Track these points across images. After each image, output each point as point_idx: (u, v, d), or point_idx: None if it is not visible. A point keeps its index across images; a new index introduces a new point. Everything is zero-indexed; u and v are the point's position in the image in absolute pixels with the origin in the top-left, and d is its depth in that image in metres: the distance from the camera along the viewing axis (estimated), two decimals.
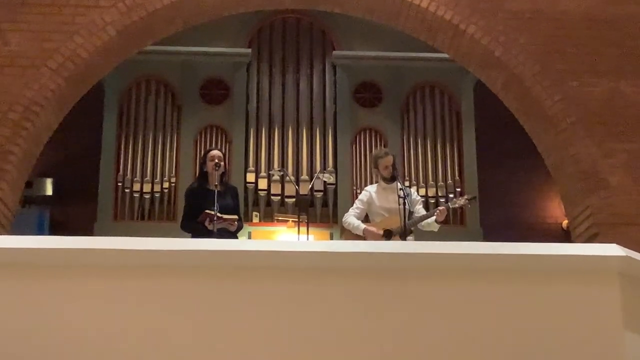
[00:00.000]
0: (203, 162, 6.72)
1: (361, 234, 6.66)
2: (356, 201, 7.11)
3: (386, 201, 6.75)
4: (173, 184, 11.58)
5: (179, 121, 11.97)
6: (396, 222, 6.53)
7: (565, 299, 3.38)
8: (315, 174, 10.65)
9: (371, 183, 9.89)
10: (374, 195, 6.89)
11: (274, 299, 3.31)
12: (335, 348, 3.27)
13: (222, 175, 6.64)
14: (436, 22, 8.33)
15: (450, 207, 6.86)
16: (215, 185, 6.40)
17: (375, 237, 6.58)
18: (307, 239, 8.16)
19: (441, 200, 11.23)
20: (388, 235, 6.60)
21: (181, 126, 11.94)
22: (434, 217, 6.57)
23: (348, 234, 6.88)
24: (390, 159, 6.85)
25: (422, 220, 6.62)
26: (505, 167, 11.77)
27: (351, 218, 6.83)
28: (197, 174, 7.32)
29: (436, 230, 6.70)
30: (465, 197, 7.02)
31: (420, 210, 6.81)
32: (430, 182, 11.75)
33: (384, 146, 11.76)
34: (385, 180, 6.84)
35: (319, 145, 11.94)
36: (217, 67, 12.15)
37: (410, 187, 10.35)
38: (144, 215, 11.49)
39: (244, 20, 11.91)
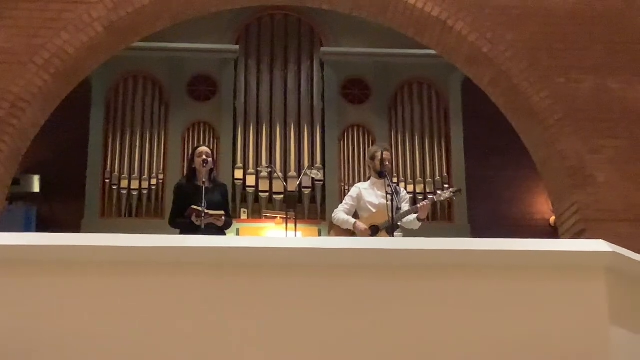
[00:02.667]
0: (191, 159, 6.72)
1: (351, 228, 6.66)
2: (346, 197, 7.10)
3: (374, 197, 6.75)
4: (161, 181, 11.54)
5: (167, 118, 11.94)
6: (383, 218, 6.53)
7: (552, 294, 3.39)
8: (303, 171, 10.64)
9: (359, 179, 9.89)
10: (363, 191, 6.88)
11: (262, 295, 3.31)
12: (323, 343, 3.27)
13: (211, 171, 6.64)
14: (424, 19, 8.35)
15: (436, 200, 6.85)
16: (203, 182, 6.41)
17: (363, 234, 6.59)
18: (295, 235, 8.16)
19: (430, 196, 11.22)
20: (374, 230, 6.61)
21: (169, 123, 11.91)
22: (415, 215, 6.56)
23: (337, 229, 6.88)
24: (382, 153, 6.85)
25: (406, 215, 6.60)
26: (493, 163, 11.79)
27: (340, 214, 6.83)
28: (185, 171, 7.30)
29: (416, 228, 6.67)
30: (451, 189, 7.01)
31: (405, 207, 6.80)
32: (418, 178, 11.77)
33: (372, 143, 11.76)
34: (377, 175, 6.82)
35: (307, 141, 11.93)
36: (204, 63, 12.12)
37: (398, 184, 10.36)
38: (131, 212, 11.45)
39: (232, 16, 11.89)
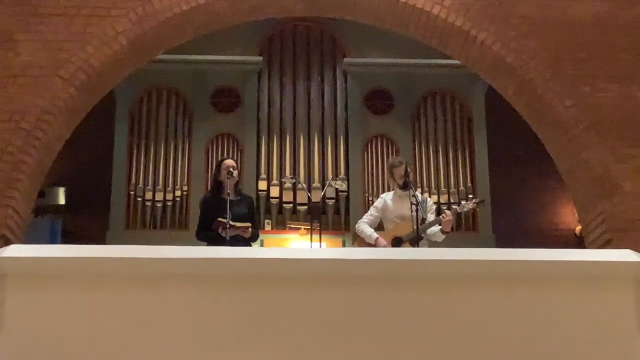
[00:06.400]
0: (216, 172, 6.76)
1: (373, 242, 6.66)
2: (371, 208, 7.11)
3: (401, 208, 6.74)
4: (185, 193, 11.59)
5: (190, 130, 11.99)
6: (407, 229, 6.52)
7: (579, 305, 3.36)
8: (327, 182, 10.66)
9: (383, 190, 9.88)
10: (389, 202, 6.88)
11: (287, 306, 3.31)
12: (348, 355, 3.26)
13: (236, 184, 6.69)
14: (447, 29, 8.33)
15: (459, 211, 6.83)
16: (228, 194, 6.44)
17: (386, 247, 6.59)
18: (320, 246, 8.16)
19: (453, 207, 11.19)
20: (397, 242, 6.59)
21: (192, 135, 11.96)
22: (438, 227, 6.54)
23: (360, 240, 6.88)
24: (405, 168, 6.84)
25: (431, 226, 6.58)
26: (518, 173, 11.74)
27: (364, 225, 6.83)
28: (210, 184, 7.36)
29: (440, 240, 6.65)
30: (474, 200, 6.99)
31: (431, 218, 6.78)
32: (442, 188, 11.74)
33: (396, 153, 11.75)
34: (400, 188, 6.82)
35: (330, 152, 11.94)
36: (228, 75, 12.16)
37: (422, 194, 10.34)
38: (156, 224, 11.50)
39: (255, 28, 11.93)
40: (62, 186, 11.32)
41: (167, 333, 3.26)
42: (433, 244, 6.65)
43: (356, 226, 6.96)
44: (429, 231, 6.61)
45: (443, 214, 6.58)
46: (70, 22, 7.97)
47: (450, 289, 3.37)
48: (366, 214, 7.04)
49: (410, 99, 12.23)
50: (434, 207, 7.17)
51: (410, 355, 3.27)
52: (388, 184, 7.46)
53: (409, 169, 6.77)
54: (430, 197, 11.15)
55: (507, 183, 11.67)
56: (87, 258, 3.38)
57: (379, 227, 6.98)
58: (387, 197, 6.99)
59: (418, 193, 6.87)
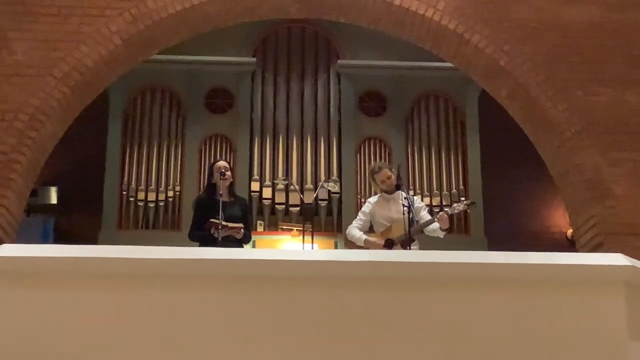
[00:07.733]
0: (210, 174, 6.78)
1: (362, 244, 6.67)
2: (359, 213, 7.13)
3: (388, 211, 6.76)
4: (177, 193, 11.58)
5: (184, 130, 11.99)
6: (398, 231, 6.53)
7: (570, 308, 3.37)
8: (320, 183, 10.67)
9: (376, 192, 9.91)
10: (375, 206, 6.89)
11: (278, 308, 3.31)
12: (338, 357, 3.26)
13: (231, 185, 6.71)
14: (440, 32, 8.34)
15: (450, 213, 6.84)
16: (220, 195, 6.46)
17: (376, 247, 6.59)
18: (312, 247, 8.16)
19: (445, 209, 11.18)
20: (389, 244, 6.60)
21: (186, 135, 11.96)
22: (437, 225, 6.56)
23: (352, 245, 6.89)
24: (385, 172, 6.86)
25: (424, 227, 6.60)
26: (510, 176, 11.76)
27: (354, 230, 6.84)
28: (204, 185, 7.39)
29: (442, 236, 6.69)
30: (464, 202, 7.00)
31: (425, 216, 6.80)
32: (435, 191, 11.75)
33: (389, 155, 11.77)
34: (385, 192, 6.86)
35: (323, 154, 11.94)
36: (222, 76, 12.17)
37: (414, 195, 10.34)
38: (148, 224, 11.49)
39: (249, 29, 11.94)
40: (54, 185, 11.30)
41: (159, 333, 3.25)
42: (424, 247, 6.65)
43: (347, 232, 6.97)
44: (429, 228, 6.62)
45: (437, 216, 6.60)
46: (64, 21, 7.96)
47: (441, 291, 3.38)
48: (356, 219, 7.04)
49: (404, 101, 12.25)
50: (423, 204, 7.19)
51: (402, 356, 3.28)
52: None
53: (393, 172, 6.82)
54: (422, 199, 11.19)
55: (499, 186, 11.69)
56: (79, 258, 3.37)
57: (370, 230, 6.98)
58: (373, 200, 7.01)
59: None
